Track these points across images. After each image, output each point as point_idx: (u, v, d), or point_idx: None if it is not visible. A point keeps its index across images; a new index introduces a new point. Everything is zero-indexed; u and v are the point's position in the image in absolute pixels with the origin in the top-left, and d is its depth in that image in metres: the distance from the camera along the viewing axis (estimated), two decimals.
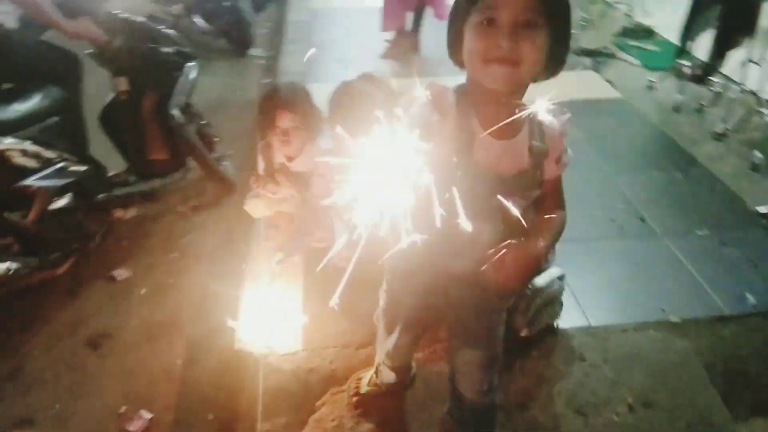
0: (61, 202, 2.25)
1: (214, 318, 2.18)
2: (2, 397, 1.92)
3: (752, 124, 3.53)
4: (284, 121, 2.09)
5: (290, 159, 2.21)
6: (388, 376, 1.69)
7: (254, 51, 4.97)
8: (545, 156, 1.11)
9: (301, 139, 2.14)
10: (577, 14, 5.70)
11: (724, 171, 3.15)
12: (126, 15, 2.46)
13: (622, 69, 4.69)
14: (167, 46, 2.61)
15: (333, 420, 1.73)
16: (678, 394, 1.87)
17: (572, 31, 1.03)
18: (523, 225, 1.05)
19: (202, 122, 2.89)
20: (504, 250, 1.04)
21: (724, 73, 4.00)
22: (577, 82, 4.33)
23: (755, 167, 3.17)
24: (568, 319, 2.08)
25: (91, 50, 2.47)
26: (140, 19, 2.52)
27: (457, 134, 1.04)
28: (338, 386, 1.83)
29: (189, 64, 2.69)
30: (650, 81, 4.31)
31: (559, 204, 1.19)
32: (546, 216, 1.16)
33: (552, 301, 1.97)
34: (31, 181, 2.10)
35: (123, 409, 1.89)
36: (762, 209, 2.74)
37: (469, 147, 1.05)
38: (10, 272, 2.07)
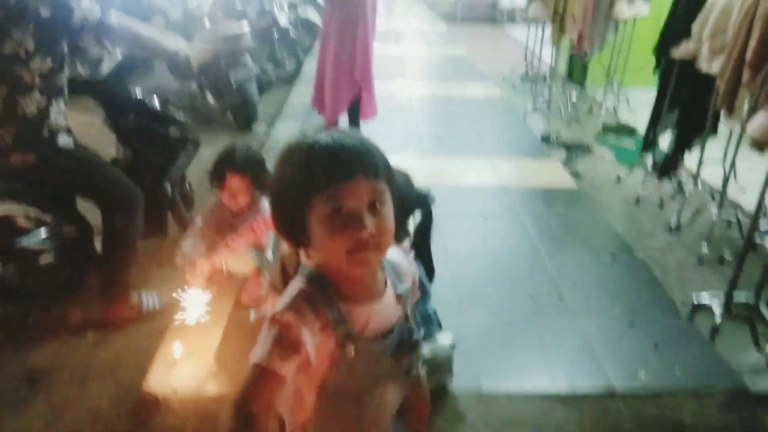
0: (48, 260, 2.45)
1: (146, 363, 2.38)
2: None
3: (704, 219, 3.69)
4: (234, 182, 2.27)
5: (235, 215, 2.38)
6: None
7: (257, 126, 5.42)
8: (408, 298, 1.11)
9: (248, 200, 2.32)
10: (566, 111, 6.07)
11: (669, 263, 3.31)
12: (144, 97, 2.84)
13: (594, 163, 4.95)
14: (176, 130, 2.96)
15: None
16: None
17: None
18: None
19: (185, 183, 3.27)
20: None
21: (687, 167, 4.20)
22: (536, 170, 4.61)
23: (701, 260, 3.32)
24: (462, 384, 2.23)
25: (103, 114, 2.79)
26: (155, 102, 2.88)
27: (330, 329, 0.99)
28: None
29: (190, 147, 3.04)
30: (618, 176, 4.55)
31: None
32: None
33: (440, 368, 2.13)
34: (26, 242, 2.34)
35: None
36: (702, 300, 2.81)
37: (348, 333, 1.00)
38: None
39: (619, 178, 4.52)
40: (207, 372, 2.30)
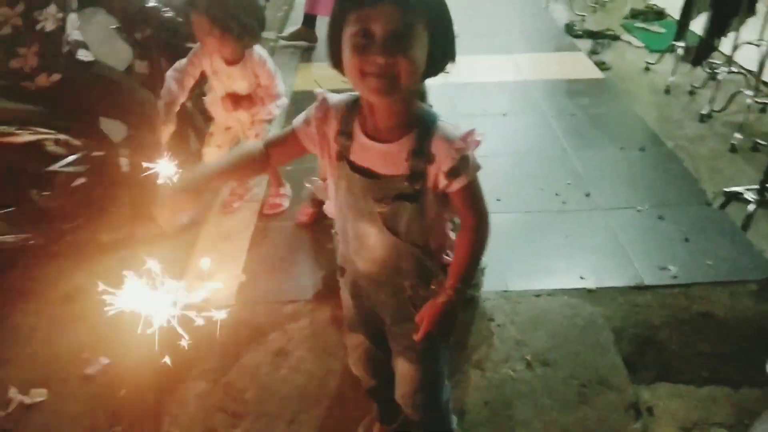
0: (79, 181, 2.48)
1: (177, 276, 2.42)
2: None
3: (738, 105, 3.53)
4: (200, 25, 2.20)
5: (229, 63, 2.35)
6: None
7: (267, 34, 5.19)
8: (427, 164, 1.07)
9: (227, 48, 2.27)
10: None
11: (701, 153, 3.21)
12: (159, 6, 2.72)
13: (621, 51, 4.71)
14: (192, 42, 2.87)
15: (252, 367, 1.97)
16: (577, 355, 2.01)
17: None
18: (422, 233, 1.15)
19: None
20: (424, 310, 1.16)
21: (723, 53, 3.97)
22: (559, 63, 4.40)
23: (733, 148, 3.21)
24: (487, 284, 2.22)
25: (117, 26, 2.71)
26: (170, 13, 2.76)
27: (337, 138, 1.12)
28: (262, 337, 2.05)
29: None
30: (648, 63, 4.33)
31: (471, 218, 1.15)
32: (459, 242, 1.18)
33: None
34: (58, 167, 2.34)
35: (85, 355, 2.14)
36: (734, 189, 2.73)
37: (347, 149, 1.11)
38: (12, 240, 2.36)
39: (647, 66, 4.30)
40: (236, 282, 2.36)
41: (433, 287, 1.21)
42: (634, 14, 5.41)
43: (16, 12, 2.08)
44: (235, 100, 2.40)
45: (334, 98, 1.14)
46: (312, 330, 2.11)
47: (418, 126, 1.07)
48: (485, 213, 1.16)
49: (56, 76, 2.23)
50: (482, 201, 1.15)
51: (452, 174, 1.07)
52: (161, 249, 2.64)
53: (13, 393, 1.95)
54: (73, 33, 2.27)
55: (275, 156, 1.21)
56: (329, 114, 1.13)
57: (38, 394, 1.96)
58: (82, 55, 2.31)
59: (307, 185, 2.64)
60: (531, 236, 2.55)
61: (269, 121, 2.61)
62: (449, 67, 1.07)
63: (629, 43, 4.86)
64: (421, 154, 1.06)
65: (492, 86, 4.02)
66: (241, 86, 2.41)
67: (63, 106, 2.33)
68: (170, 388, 1.96)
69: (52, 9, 2.14)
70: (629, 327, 2.12)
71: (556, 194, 2.81)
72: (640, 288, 2.26)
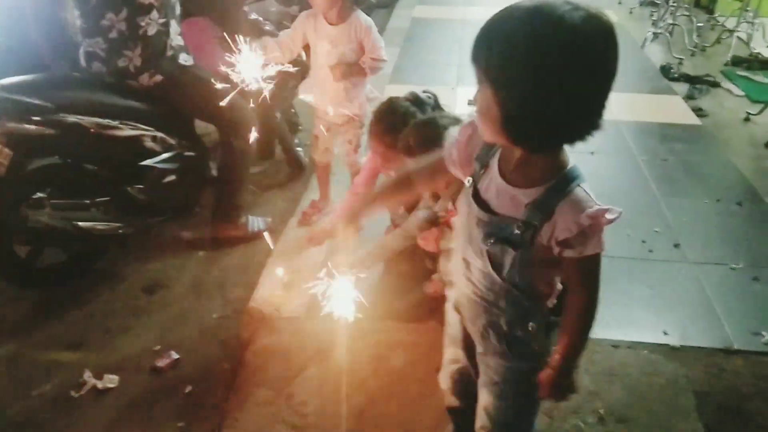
0: (170, 178, 2.58)
1: (251, 281, 2.50)
2: (65, 323, 2.31)
3: None
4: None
5: (332, 24, 2.42)
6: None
7: None
8: (544, 221, 1.02)
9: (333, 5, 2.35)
10: (690, 40, 5.51)
11: None
12: (260, 20, 2.86)
13: (720, 98, 4.51)
14: None
15: (316, 381, 1.96)
16: (654, 415, 1.88)
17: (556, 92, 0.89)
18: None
19: (292, 110, 3.37)
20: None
21: None
22: (653, 105, 4.24)
23: None
24: None
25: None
26: (269, 27, 2.89)
27: (474, 161, 1.13)
28: (328, 352, 2.04)
29: (298, 74, 2.99)
30: (748, 113, 4.11)
31: (579, 293, 1.11)
32: (566, 319, 1.14)
33: None
34: (152, 163, 2.46)
35: (158, 347, 2.21)
36: None
37: (478, 176, 1.11)
38: (103, 228, 2.47)
39: (748, 117, 4.08)
40: (310, 293, 2.36)
41: (530, 329, 1.17)
42: (736, 61, 5.18)
43: (121, 18, 2.22)
44: (346, 68, 2.43)
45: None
46: (377, 351, 2.08)
47: (554, 181, 1.02)
48: (595, 292, 1.10)
49: (158, 77, 2.35)
50: (595, 279, 1.09)
51: (564, 244, 1.02)
52: (238, 254, 2.72)
53: (87, 376, 2.03)
54: (176, 38, 2.38)
55: (421, 183, 1.30)
56: (475, 136, 1.12)
57: (110, 381, 2.03)
58: (183, 59, 2.42)
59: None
60: (613, 282, 2.43)
61: (360, 125, 2.64)
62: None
63: (729, 90, 4.64)
64: (543, 209, 1.02)
65: None
66: (345, 49, 2.42)
67: (162, 106, 2.44)
68: (234, 391, 1.98)
69: (154, 15, 2.26)
70: (714, 392, 1.97)
71: (643, 241, 2.68)
72: (729, 352, 2.11)
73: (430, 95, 2.19)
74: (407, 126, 1.98)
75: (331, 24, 2.42)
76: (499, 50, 0.88)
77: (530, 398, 1.31)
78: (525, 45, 0.86)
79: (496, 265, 1.11)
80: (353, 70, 2.45)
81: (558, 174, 1.02)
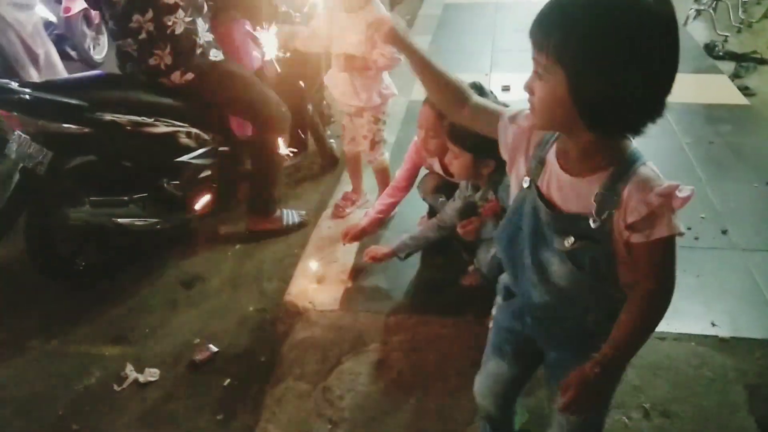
0: (206, 173, 2.63)
1: (286, 274, 2.51)
2: (107, 318, 2.37)
3: None
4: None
5: (349, 11, 2.36)
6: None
7: None
8: (615, 209, 0.97)
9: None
10: (736, 15, 5.28)
11: None
12: (290, 12, 2.84)
13: None
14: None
15: (352, 374, 1.95)
16: (702, 410, 1.81)
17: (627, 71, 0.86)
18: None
19: (324, 102, 3.35)
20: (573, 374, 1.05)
21: None
22: (697, 85, 4.07)
23: None
24: None
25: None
26: (299, 20, 2.87)
27: (531, 157, 1.10)
28: (363, 346, 2.03)
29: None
30: None
31: (648, 280, 1.02)
32: (628, 304, 1.05)
33: None
34: (188, 158, 2.50)
35: (196, 340, 2.24)
36: None
37: (536, 174, 1.08)
38: (141, 223, 2.51)
39: None
40: (342, 287, 2.37)
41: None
42: None
43: (147, 18, 2.23)
44: (348, 59, 2.37)
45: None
46: (413, 346, 2.06)
47: (617, 165, 0.98)
48: (668, 281, 1.02)
49: (189, 75, 2.36)
50: (669, 267, 1.01)
51: (631, 228, 0.96)
52: (274, 247, 2.73)
53: (129, 370, 2.07)
54: (204, 35, 2.39)
55: (469, 113, 1.17)
56: (535, 129, 1.09)
57: (151, 374, 2.06)
58: (213, 55, 2.43)
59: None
60: None
61: (375, 120, 2.58)
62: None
63: None
64: (611, 196, 0.97)
65: None
66: (352, 41, 2.35)
67: (196, 102, 2.45)
68: (271, 385, 1.98)
69: (180, 14, 2.27)
70: (766, 386, 1.88)
71: (689, 228, 2.57)
72: None
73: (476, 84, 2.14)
74: None
75: (346, 12, 2.37)
76: (578, 34, 0.86)
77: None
78: (606, 27, 0.85)
79: (578, 262, 1.04)
80: (355, 63, 2.38)
81: (621, 157, 0.98)
